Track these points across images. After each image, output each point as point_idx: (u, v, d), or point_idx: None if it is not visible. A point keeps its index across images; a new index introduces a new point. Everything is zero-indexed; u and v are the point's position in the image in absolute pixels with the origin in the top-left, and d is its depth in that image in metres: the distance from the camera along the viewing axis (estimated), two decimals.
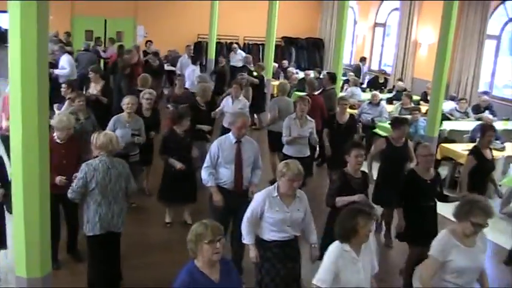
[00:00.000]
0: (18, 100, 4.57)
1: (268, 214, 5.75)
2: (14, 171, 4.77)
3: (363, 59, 21.16)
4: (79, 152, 7.27)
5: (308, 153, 9.79)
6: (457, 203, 5.30)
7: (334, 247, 4.78)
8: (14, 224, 4.89)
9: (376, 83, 18.83)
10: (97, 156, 6.39)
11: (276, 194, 5.76)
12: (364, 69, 21.44)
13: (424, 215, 7.10)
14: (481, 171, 8.42)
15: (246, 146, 7.20)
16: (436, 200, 7.28)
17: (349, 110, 14.57)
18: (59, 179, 6.64)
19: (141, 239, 8.46)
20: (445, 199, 7.34)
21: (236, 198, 7.07)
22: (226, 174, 7.13)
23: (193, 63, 16.61)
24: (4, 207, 6.58)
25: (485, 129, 8.72)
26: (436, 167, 12.37)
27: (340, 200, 6.46)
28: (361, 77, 19.94)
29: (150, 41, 20.37)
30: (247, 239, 5.91)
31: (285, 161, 5.85)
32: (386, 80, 19.63)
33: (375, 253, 5.09)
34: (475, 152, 8.53)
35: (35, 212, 4.76)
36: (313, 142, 9.79)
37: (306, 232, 6.07)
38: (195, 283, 4.17)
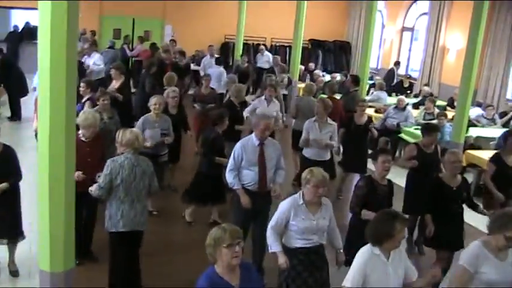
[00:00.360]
0: (47, 99, 4.62)
1: (293, 222, 5.71)
2: (40, 166, 4.83)
3: (397, 63, 20.97)
4: (103, 150, 7.33)
5: (328, 156, 9.68)
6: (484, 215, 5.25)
7: (365, 250, 4.78)
8: (39, 218, 4.95)
9: (401, 88, 18.74)
10: (122, 153, 6.40)
11: (301, 201, 5.73)
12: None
13: (450, 222, 7.05)
14: (502, 177, 8.37)
15: (269, 148, 7.18)
16: (462, 206, 7.22)
17: (375, 114, 14.68)
18: (77, 174, 6.34)
19: (164, 237, 8.52)
20: (474, 207, 7.28)
21: (260, 199, 7.10)
22: (250, 176, 7.11)
23: (218, 63, 16.69)
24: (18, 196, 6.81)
25: (509, 135, 8.66)
26: (462, 174, 12.32)
27: (366, 215, 6.37)
28: (395, 81, 19.79)
29: (173, 40, 20.48)
30: (274, 246, 5.82)
31: (309, 168, 5.81)
32: (411, 84, 19.52)
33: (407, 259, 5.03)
34: (495, 158, 8.55)
35: (60, 206, 4.81)
36: (329, 147, 9.62)
37: (331, 238, 6.05)
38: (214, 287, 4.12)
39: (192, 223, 9.04)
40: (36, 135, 8.44)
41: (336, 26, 25.20)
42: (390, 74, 20.10)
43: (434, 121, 13.07)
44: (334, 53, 25.26)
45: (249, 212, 7.08)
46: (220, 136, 8.66)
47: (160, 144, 8.97)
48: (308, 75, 19.60)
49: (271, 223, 5.85)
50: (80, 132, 7.05)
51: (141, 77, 13.47)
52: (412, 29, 22.65)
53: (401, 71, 22.78)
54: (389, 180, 6.82)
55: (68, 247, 5.00)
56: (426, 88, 17.75)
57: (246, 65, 18.26)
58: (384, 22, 23.40)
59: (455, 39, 19.66)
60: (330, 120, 9.65)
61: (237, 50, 21.02)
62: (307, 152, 9.63)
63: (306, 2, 16.62)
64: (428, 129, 8.68)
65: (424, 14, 21.47)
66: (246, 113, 10.70)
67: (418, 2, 22.16)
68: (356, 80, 13.43)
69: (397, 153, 13.77)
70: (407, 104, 14.59)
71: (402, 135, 13.53)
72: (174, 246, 8.35)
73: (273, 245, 5.82)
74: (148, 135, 8.62)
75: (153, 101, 9.00)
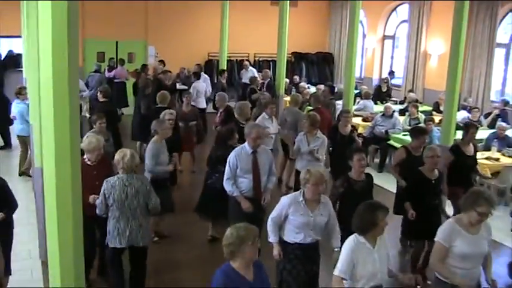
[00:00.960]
0: (51, 116, 4.63)
1: (292, 217, 6.11)
2: (47, 188, 4.86)
3: (391, 73, 21.05)
4: (110, 171, 7.39)
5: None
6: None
7: (351, 239, 5.20)
8: (48, 240, 4.98)
9: (380, 94, 18.98)
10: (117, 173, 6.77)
11: (301, 199, 6.12)
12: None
13: (428, 212, 7.54)
14: (460, 166, 8.99)
15: (262, 156, 7.57)
16: (440, 198, 7.90)
17: (362, 123, 14.85)
18: (92, 197, 6.80)
19: (169, 255, 8.66)
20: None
21: (255, 206, 7.46)
22: (245, 184, 7.49)
23: (197, 78, 17.07)
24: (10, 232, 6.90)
25: (469, 127, 9.40)
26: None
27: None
28: (390, 89, 19.93)
29: (162, 60, 20.59)
30: (271, 237, 6.26)
31: (306, 169, 6.18)
32: (389, 88, 19.71)
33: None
34: (454, 148, 9.27)
35: (68, 227, 4.84)
36: (316, 157, 9.78)
37: (330, 236, 6.40)
38: (232, 283, 4.44)
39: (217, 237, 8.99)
40: None
41: (317, 38, 25.40)
42: (384, 83, 20.16)
43: (421, 125, 13.28)
44: (318, 65, 25.43)
45: (246, 219, 7.21)
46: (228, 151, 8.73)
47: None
48: (293, 88, 19.76)
49: (272, 215, 6.28)
50: (85, 156, 7.16)
51: (137, 98, 13.71)
52: (393, 37, 22.92)
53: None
54: (367, 175, 7.38)
55: (77, 267, 5.03)
56: (411, 94, 17.97)
57: (225, 80, 18.45)
58: (364, 32, 23.63)
59: (436, 44, 19.93)
60: (319, 134, 9.88)
61: (220, 67, 21.12)
62: (298, 165, 9.92)
63: (287, 15, 16.75)
64: (416, 132, 9.07)
65: (404, 21, 21.75)
66: None
67: (397, 10, 22.43)
68: (332, 90, 13.75)
69: (387, 160, 13.93)
70: (394, 111, 14.77)
71: (391, 142, 13.70)
72: (179, 264, 8.45)
73: (271, 235, 6.27)
74: (163, 159, 8.76)
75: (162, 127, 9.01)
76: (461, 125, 14.05)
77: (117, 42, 22.21)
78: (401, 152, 9.09)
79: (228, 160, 7.56)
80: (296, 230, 6.13)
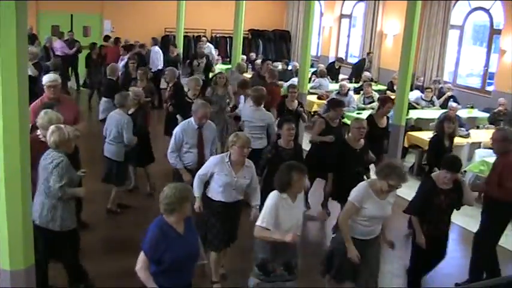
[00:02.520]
0: None
1: (217, 176, 6.61)
2: None
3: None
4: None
5: (265, 143, 9.50)
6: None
7: (274, 194, 5.69)
8: None
9: (333, 70, 19.10)
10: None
11: (227, 160, 6.61)
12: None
13: (353, 179, 7.67)
14: (372, 135, 9.21)
15: (206, 131, 7.85)
16: (365, 167, 8.43)
17: (317, 101, 14.95)
18: (80, 172, 6.63)
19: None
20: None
21: None
22: (190, 157, 7.76)
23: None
24: None
25: (385, 100, 9.97)
26: (404, 155, 12.72)
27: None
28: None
29: (118, 38, 20.24)
30: (196, 191, 6.65)
31: (235, 132, 6.78)
32: (340, 67, 19.78)
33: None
34: (368, 119, 9.45)
35: (17, 204, 4.82)
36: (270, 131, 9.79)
37: (251, 196, 6.92)
38: (164, 235, 4.76)
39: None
40: None
41: (275, 15, 25.43)
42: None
43: (374, 104, 13.44)
44: (275, 42, 25.46)
45: None
46: None
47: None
48: (250, 64, 19.74)
49: (199, 172, 6.78)
50: (38, 132, 6.82)
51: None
52: (349, 16, 23.05)
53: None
54: (295, 144, 7.88)
55: (26, 244, 5.01)
56: (366, 73, 18.10)
57: (175, 54, 18.34)
58: (322, 10, 23.69)
59: (392, 24, 20.13)
60: (264, 110, 9.87)
61: (178, 43, 20.94)
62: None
63: None
64: (333, 104, 9.62)
65: (361, 0, 21.86)
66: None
67: None
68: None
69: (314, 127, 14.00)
70: (349, 90, 14.88)
71: (345, 120, 13.80)
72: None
73: (195, 189, 6.65)
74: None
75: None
76: (414, 104, 14.38)
77: (72, 16, 21.83)
78: (321, 122, 9.57)
79: (174, 133, 7.79)
80: (219, 189, 6.62)
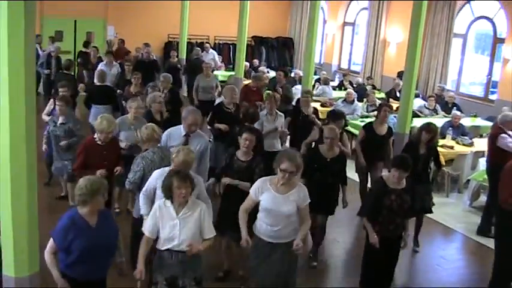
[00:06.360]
0: (6, 101, 4.63)
1: (158, 192, 6.03)
2: (2, 169, 4.83)
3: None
4: (119, 153, 7.73)
5: (279, 147, 9.93)
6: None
7: (159, 201, 5.49)
8: (2, 224, 4.95)
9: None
10: (146, 150, 6.83)
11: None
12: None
13: (320, 188, 7.59)
14: (370, 143, 9.47)
15: (194, 140, 7.40)
16: (336, 177, 7.92)
17: (321, 108, 14.94)
18: (99, 172, 6.97)
19: None
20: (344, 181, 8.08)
21: None
22: None
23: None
24: None
25: (381, 107, 9.91)
26: None
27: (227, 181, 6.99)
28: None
29: (122, 39, 20.32)
30: (143, 210, 6.28)
31: (177, 148, 6.21)
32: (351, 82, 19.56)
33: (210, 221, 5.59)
34: (366, 127, 9.77)
35: (23, 212, 4.83)
36: (284, 134, 10.18)
37: None
38: (75, 226, 4.83)
39: None
40: None
41: (278, 22, 25.43)
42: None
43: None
44: (278, 50, 25.46)
45: None
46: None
47: (136, 145, 8.58)
48: (253, 71, 19.75)
49: (143, 189, 6.34)
50: (95, 135, 7.43)
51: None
52: (353, 24, 23.07)
53: (344, 65, 23.30)
54: (253, 156, 7.09)
55: (31, 251, 5.02)
56: (360, 80, 18.17)
57: (176, 59, 18.34)
58: (325, 17, 23.72)
59: (395, 32, 20.15)
60: (279, 112, 10.00)
61: (181, 49, 20.98)
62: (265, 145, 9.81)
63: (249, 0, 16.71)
64: (333, 116, 9.24)
65: (364, 8, 21.89)
66: None
67: None
68: (285, 74, 14.24)
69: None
70: (355, 97, 14.89)
71: (349, 127, 13.82)
72: None
73: (142, 207, 6.31)
74: (122, 137, 8.61)
75: (133, 105, 8.91)
76: (417, 112, 14.39)
77: (75, 21, 21.86)
78: (316, 132, 9.57)
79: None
80: None
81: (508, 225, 7.08)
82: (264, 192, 5.89)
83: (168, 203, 5.37)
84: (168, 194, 5.31)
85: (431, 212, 8.80)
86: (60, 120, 8.85)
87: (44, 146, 9.28)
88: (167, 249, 5.34)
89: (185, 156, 5.93)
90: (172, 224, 5.32)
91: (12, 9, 4.50)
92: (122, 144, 8.32)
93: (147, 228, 5.44)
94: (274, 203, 5.84)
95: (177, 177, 5.26)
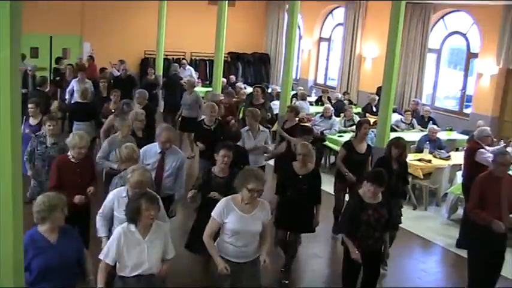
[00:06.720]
0: None
1: (116, 213, 6.05)
2: None
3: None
4: (93, 170, 7.48)
5: (263, 162, 9.98)
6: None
7: (121, 227, 5.29)
8: None
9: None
10: (125, 169, 6.57)
11: (124, 194, 6.05)
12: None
13: (291, 205, 7.71)
14: (350, 161, 9.42)
15: (169, 157, 7.54)
16: (307, 194, 7.77)
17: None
18: (78, 197, 6.85)
19: None
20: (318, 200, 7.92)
21: None
22: None
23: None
24: None
25: (361, 123, 9.85)
26: None
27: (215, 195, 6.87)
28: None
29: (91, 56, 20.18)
30: (100, 231, 6.19)
31: (132, 167, 6.09)
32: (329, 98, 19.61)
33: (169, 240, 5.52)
34: (346, 145, 9.68)
35: (8, 226, 4.77)
36: (267, 151, 10.07)
37: None
38: (34, 244, 4.85)
39: None
40: None
41: (254, 38, 25.54)
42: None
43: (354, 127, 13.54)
44: (254, 65, 25.54)
45: None
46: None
47: None
48: (230, 87, 19.78)
49: (100, 210, 6.22)
50: (69, 153, 7.17)
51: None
52: (328, 40, 23.27)
53: (320, 80, 23.47)
54: (231, 172, 7.03)
55: (17, 267, 4.96)
56: (345, 96, 18.28)
57: (153, 76, 18.33)
58: (301, 33, 23.88)
59: (370, 48, 20.36)
60: (262, 128, 9.97)
61: (157, 65, 20.96)
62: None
63: (226, 15, 16.75)
64: (302, 131, 9.36)
65: (340, 24, 22.10)
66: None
67: (334, 13, 22.81)
68: (263, 91, 14.09)
69: (323, 161, 14.16)
70: (333, 113, 14.97)
71: (327, 142, 13.91)
72: None
73: (99, 229, 6.20)
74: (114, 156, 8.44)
75: (123, 124, 8.80)
76: (394, 126, 14.52)
77: (51, 37, 21.74)
78: (283, 146, 9.83)
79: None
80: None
81: (473, 234, 7.34)
82: (229, 214, 5.70)
83: (133, 227, 5.21)
84: (136, 217, 5.15)
85: (397, 229, 8.74)
86: (52, 140, 8.46)
87: (29, 165, 8.50)
88: (135, 275, 5.23)
89: (140, 176, 5.86)
90: (139, 249, 5.21)
91: None
92: (114, 165, 8.11)
93: (109, 255, 5.21)
94: (242, 223, 5.70)
95: (145, 199, 5.14)
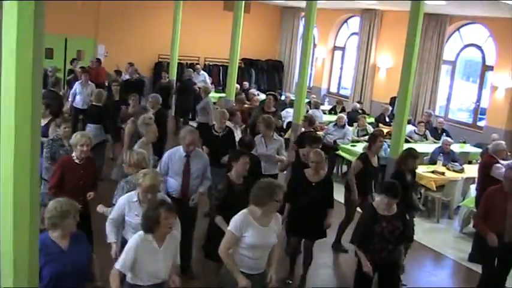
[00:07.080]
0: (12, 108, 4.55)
1: (127, 218, 6.08)
2: (3, 180, 4.76)
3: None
4: (96, 172, 7.55)
5: (275, 171, 9.82)
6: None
7: (137, 235, 5.22)
8: (2, 236, 4.88)
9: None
10: (131, 174, 6.62)
11: (135, 199, 6.07)
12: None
13: (305, 213, 7.68)
14: (366, 175, 9.26)
15: (194, 160, 7.63)
16: (321, 201, 7.73)
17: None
18: (100, 207, 6.77)
19: None
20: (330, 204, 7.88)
21: (182, 206, 7.21)
22: (173, 184, 7.59)
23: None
24: None
25: (376, 136, 9.66)
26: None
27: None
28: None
29: (99, 59, 20.25)
30: (109, 237, 6.19)
31: (143, 171, 6.10)
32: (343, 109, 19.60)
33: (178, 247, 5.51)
34: (363, 158, 9.40)
35: (24, 226, 4.76)
36: (280, 161, 9.87)
37: None
38: (46, 249, 4.81)
39: None
40: None
41: (268, 45, 25.58)
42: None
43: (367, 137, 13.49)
44: (267, 72, 25.57)
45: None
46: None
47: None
48: (243, 94, 19.77)
49: (111, 215, 6.22)
50: (73, 154, 7.22)
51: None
52: (343, 48, 23.25)
53: (333, 89, 23.44)
54: (245, 177, 7.04)
55: (32, 267, 4.94)
56: (358, 105, 18.21)
57: (167, 80, 18.39)
58: (315, 42, 23.89)
59: (384, 58, 20.32)
60: (276, 136, 9.88)
61: (171, 69, 20.97)
62: None
63: (242, 21, 16.75)
64: (311, 140, 9.12)
65: (355, 33, 22.09)
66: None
67: (348, 22, 22.80)
68: (275, 98, 14.19)
69: (335, 170, 14.13)
70: (346, 122, 14.93)
71: (339, 152, 13.88)
72: None
73: (109, 235, 6.19)
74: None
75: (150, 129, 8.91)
76: (407, 138, 14.46)
77: (66, 39, 21.83)
78: (292, 155, 9.71)
79: (162, 158, 7.78)
80: (132, 230, 5.95)
81: (480, 246, 7.61)
82: (248, 228, 5.59)
83: (150, 237, 5.17)
84: (154, 227, 5.10)
85: (412, 240, 8.71)
86: (68, 142, 8.44)
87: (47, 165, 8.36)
88: (152, 284, 5.23)
89: (152, 180, 5.89)
90: (155, 258, 5.19)
91: (22, 10, 4.36)
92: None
93: (126, 264, 5.13)
94: (260, 237, 5.61)
95: (165, 208, 5.12)
